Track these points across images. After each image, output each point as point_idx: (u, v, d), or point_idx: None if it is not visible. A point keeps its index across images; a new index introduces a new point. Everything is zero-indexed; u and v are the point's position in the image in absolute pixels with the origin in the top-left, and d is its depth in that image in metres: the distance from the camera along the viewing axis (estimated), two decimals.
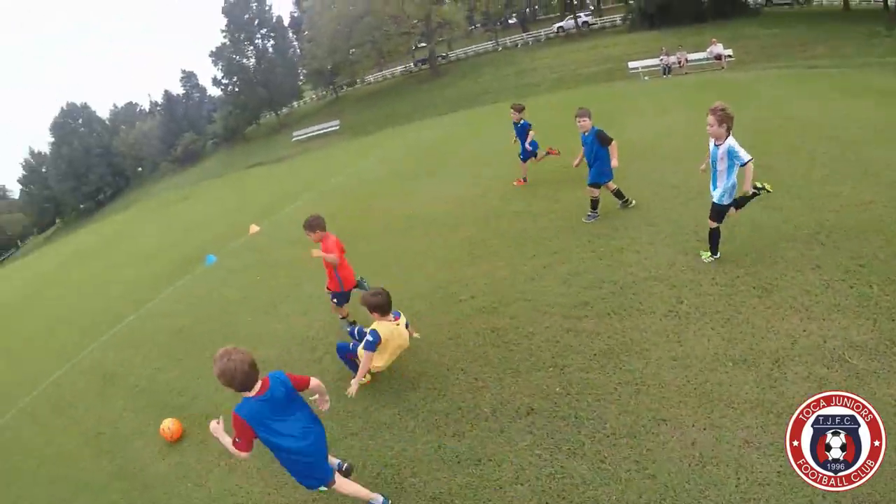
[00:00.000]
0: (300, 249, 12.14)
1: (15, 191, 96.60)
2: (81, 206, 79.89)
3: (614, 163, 8.00)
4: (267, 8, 61.35)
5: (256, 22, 60.54)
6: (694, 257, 6.40)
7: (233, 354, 3.46)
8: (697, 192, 8.33)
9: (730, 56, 27.73)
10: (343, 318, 7.27)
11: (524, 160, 11.58)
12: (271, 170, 39.04)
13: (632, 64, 31.64)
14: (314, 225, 6.65)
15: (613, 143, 7.93)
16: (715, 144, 5.91)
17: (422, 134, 27.33)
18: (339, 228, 12.56)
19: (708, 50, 28.29)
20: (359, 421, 5.25)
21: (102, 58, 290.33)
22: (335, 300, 7.03)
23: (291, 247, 12.46)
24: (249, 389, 3.54)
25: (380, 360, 5.10)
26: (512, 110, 11.26)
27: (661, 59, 29.22)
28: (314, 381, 3.94)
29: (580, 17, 58.42)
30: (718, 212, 6.10)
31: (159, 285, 13.84)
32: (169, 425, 6.23)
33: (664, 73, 28.81)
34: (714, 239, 6.24)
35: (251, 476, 5.06)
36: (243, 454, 3.61)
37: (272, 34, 62.22)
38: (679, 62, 28.60)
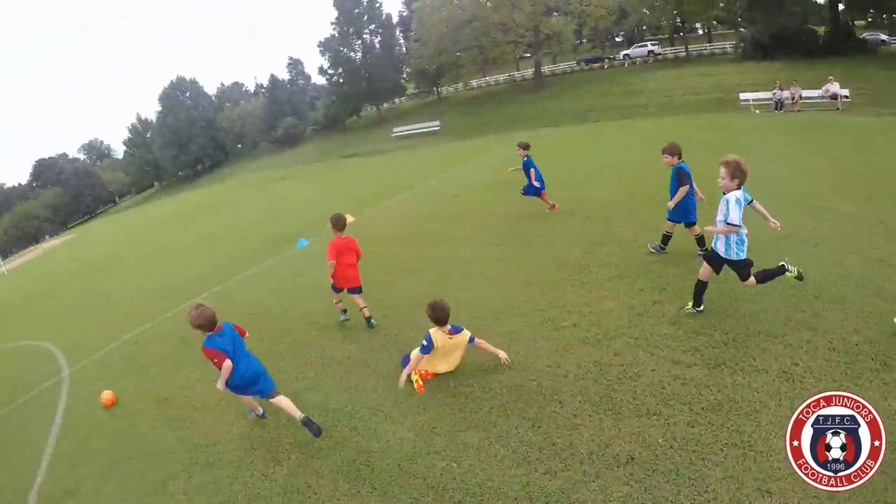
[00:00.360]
0: (393, 246, 12.27)
1: (119, 151, 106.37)
2: (180, 172, 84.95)
3: (670, 204, 7.93)
4: (377, 4, 63.01)
5: (366, 17, 62.35)
6: (812, 315, 5.90)
7: (202, 307, 5.33)
8: (819, 241, 7.85)
9: (846, 97, 26.11)
10: (338, 304, 8.34)
11: (525, 194, 11.83)
12: (368, 162, 39.94)
13: (743, 95, 30.50)
14: (332, 222, 7.71)
15: (682, 189, 7.70)
16: (723, 195, 5.73)
17: None
18: (437, 231, 12.74)
19: (823, 88, 26.79)
20: (443, 439, 5.07)
21: (102, 58, 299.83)
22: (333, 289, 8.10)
23: (384, 243, 12.55)
24: (213, 329, 5.35)
25: (442, 365, 6.04)
26: (518, 147, 11.57)
27: (775, 94, 27.82)
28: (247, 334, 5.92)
29: (647, 45, 57.92)
30: (741, 268, 5.90)
31: (251, 261, 14.41)
32: (109, 396, 7.70)
33: (776, 108, 27.45)
34: (769, 275, 6.01)
35: (322, 475, 4.97)
36: (225, 363, 5.24)
37: (380, 30, 63.97)
38: (792, 98, 27.18)
